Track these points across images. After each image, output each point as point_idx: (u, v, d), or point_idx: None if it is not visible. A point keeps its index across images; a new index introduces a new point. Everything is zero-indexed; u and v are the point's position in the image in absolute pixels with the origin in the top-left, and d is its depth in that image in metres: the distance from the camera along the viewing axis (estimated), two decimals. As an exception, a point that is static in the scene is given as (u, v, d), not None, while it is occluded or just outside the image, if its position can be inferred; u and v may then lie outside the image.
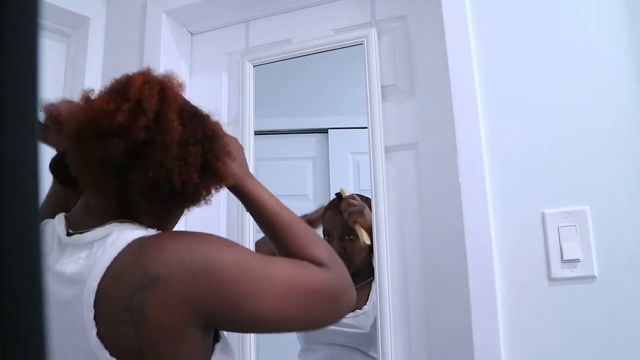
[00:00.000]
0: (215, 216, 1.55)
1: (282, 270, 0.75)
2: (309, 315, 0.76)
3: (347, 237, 1.48)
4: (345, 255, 1.47)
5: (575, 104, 1.12)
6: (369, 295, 1.42)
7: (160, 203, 0.73)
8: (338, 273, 0.81)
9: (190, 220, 1.49)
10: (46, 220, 0.79)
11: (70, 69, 1.66)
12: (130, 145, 0.69)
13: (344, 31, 1.48)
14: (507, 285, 1.10)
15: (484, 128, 1.17)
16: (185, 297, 0.66)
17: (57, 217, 0.78)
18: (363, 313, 1.42)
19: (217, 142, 0.77)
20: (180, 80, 0.79)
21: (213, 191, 0.78)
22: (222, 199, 1.55)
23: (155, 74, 0.77)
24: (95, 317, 0.66)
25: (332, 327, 1.43)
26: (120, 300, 0.66)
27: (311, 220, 1.57)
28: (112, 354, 0.65)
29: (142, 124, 0.69)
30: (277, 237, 0.84)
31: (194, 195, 0.75)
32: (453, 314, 1.21)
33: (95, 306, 0.66)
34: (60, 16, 1.61)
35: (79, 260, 0.70)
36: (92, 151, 0.70)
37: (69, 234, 0.74)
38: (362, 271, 1.44)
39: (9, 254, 0.22)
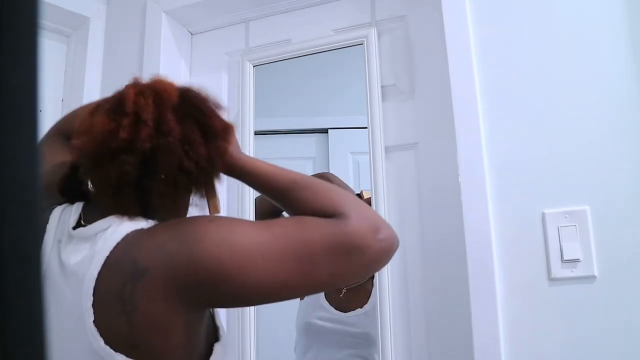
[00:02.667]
0: (215, 216, 1.55)
1: (276, 235, 0.70)
2: (318, 276, 0.71)
3: None
4: None
5: (575, 104, 1.12)
6: (370, 294, 1.41)
7: (185, 193, 0.75)
8: (358, 219, 0.73)
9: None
10: (64, 205, 0.80)
11: (70, 69, 1.66)
12: (140, 157, 0.71)
13: (344, 31, 1.48)
14: (507, 285, 1.10)
15: (484, 128, 1.17)
16: (173, 287, 0.67)
17: (75, 205, 0.79)
18: (364, 312, 1.42)
19: (204, 104, 0.77)
20: (169, 81, 0.79)
21: (224, 148, 0.77)
22: (222, 200, 1.55)
23: (144, 80, 0.77)
24: (93, 305, 0.67)
25: (329, 326, 1.43)
26: (113, 291, 0.67)
27: None
28: (106, 343, 0.66)
29: (146, 133, 0.70)
30: (285, 202, 0.79)
31: (211, 164, 0.75)
32: (453, 314, 1.21)
33: (93, 294, 0.67)
34: (60, 16, 1.61)
35: (83, 251, 0.72)
36: (108, 174, 0.72)
37: (77, 226, 0.76)
38: None
39: (9, 254, 0.22)
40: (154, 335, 0.67)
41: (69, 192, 0.82)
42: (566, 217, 1.08)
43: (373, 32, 1.43)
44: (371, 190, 1.36)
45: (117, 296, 0.67)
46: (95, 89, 1.64)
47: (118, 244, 0.70)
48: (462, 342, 1.13)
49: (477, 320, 1.09)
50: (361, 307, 1.42)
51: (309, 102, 1.71)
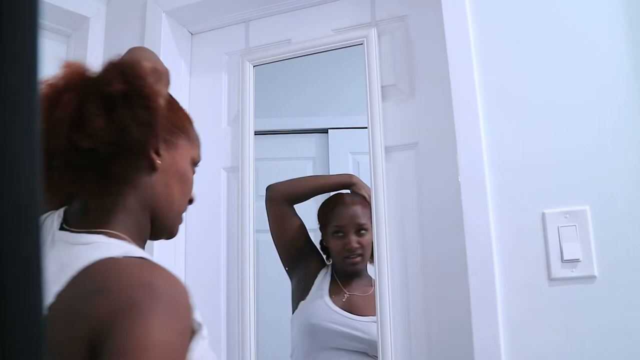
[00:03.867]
0: (215, 218, 1.55)
1: None
2: None
3: (361, 232, 1.48)
4: (360, 250, 1.48)
5: (575, 104, 1.12)
6: None
7: (112, 171, 0.70)
8: None
9: (190, 223, 1.49)
10: (48, 213, 0.78)
11: (70, 69, 1.66)
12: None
13: (344, 31, 1.48)
14: (507, 285, 1.10)
15: (484, 128, 1.17)
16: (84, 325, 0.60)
17: (58, 212, 0.77)
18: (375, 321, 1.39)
19: (107, 72, 0.72)
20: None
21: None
22: (222, 200, 1.55)
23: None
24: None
25: (339, 329, 1.42)
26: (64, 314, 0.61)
27: (324, 185, 1.57)
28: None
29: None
30: None
31: (124, 133, 0.69)
32: (453, 314, 1.21)
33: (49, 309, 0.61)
34: (60, 16, 1.61)
35: (58, 262, 0.66)
36: None
37: (61, 229, 0.72)
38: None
39: (8, 255, 0.22)
40: None
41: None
42: (566, 217, 1.08)
43: (373, 32, 1.43)
44: (371, 190, 1.36)
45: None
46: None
47: (85, 268, 0.63)
48: (462, 342, 1.13)
49: (477, 320, 1.09)
50: (374, 315, 1.37)
51: (309, 102, 1.71)
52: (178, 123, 0.81)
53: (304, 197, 1.59)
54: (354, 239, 1.48)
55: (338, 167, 1.61)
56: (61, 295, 0.62)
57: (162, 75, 0.84)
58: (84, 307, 0.61)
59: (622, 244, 1.04)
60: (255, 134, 1.54)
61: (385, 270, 1.30)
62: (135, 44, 1.63)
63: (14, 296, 0.22)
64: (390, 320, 1.28)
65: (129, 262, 0.65)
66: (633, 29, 1.10)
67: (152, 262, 0.67)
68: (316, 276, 1.52)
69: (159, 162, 0.75)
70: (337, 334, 1.43)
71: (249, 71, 1.57)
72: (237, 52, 1.62)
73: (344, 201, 1.53)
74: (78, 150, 0.67)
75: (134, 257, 0.66)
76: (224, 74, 1.65)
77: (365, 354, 1.40)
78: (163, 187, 0.77)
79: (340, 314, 1.45)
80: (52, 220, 0.76)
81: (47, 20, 1.59)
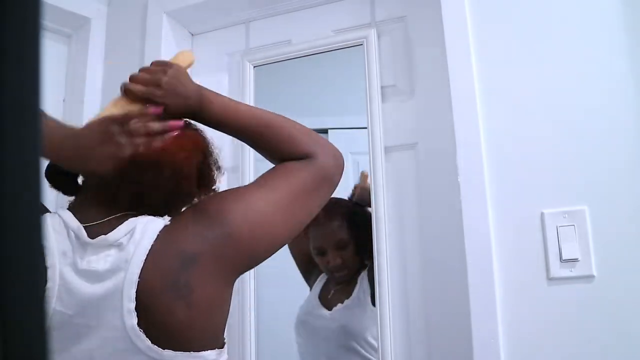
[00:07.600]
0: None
1: (279, 191, 0.80)
2: (305, 217, 0.83)
3: (341, 249, 1.47)
4: (344, 265, 1.46)
5: (575, 104, 1.12)
6: (352, 292, 1.44)
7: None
8: (324, 155, 0.84)
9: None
10: (46, 215, 0.77)
11: (71, 70, 1.66)
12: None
13: (344, 32, 1.49)
14: (506, 284, 1.10)
15: (484, 128, 1.17)
16: (221, 264, 0.74)
17: (60, 212, 0.77)
18: (344, 306, 1.43)
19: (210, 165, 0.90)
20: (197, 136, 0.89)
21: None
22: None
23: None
24: (136, 308, 0.68)
25: (318, 323, 1.45)
26: (165, 284, 0.70)
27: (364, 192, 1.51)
28: (153, 342, 0.68)
29: (188, 183, 0.83)
30: (257, 143, 0.88)
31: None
32: (453, 314, 1.21)
33: (136, 297, 0.69)
34: (61, 17, 1.61)
35: (108, 258, 0.72)
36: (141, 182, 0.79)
37: (91, 236, 0.74)
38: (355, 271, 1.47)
39: (10, 257, 0.22)
40: (209, 310, 0.73)
41: (55, 181, 0.82)
42: (565, 217, 1.08)
43: (373, 33, 1.43)
44: (371, 190, 1.36)
45: (170, 287, 0.70)
46: (96, 89, 1.64)
47: (153, 245, 0.72)
48: (461, 342, 1.13)
49: (477, 320, 1.09)
50: (342, 303, 1.43)
51: (309, 102, 1.71)
52: None
53: None
54: (335, 255, 1.47)
55: (338, 167, 1.61)
56: (147, 275, 0.70)
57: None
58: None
59: (621, 244, 1.04)
60: (255, 134, 1.54)
61: (385, 270, 1.31)
62: (136, 45, 1.63)
63: (16, 294, 0.23)
64: (390, 319, 1.28)
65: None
66: (633, 29, 1.10)
67: (189, 211, 0.82)
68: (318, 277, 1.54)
69: None
70: (317, 328, 1.46)
71: (250, 72, 1.57)
72: (238, 53, 1.62)
73: (317, 221, 1.52)
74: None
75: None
76: (224, 75, 1.65)
77: (341, 343, 1.42)
78: None
79: (318, 309, 1.47)
80: (62, 222, 0.76)
81: (48, 21, 1.59)
